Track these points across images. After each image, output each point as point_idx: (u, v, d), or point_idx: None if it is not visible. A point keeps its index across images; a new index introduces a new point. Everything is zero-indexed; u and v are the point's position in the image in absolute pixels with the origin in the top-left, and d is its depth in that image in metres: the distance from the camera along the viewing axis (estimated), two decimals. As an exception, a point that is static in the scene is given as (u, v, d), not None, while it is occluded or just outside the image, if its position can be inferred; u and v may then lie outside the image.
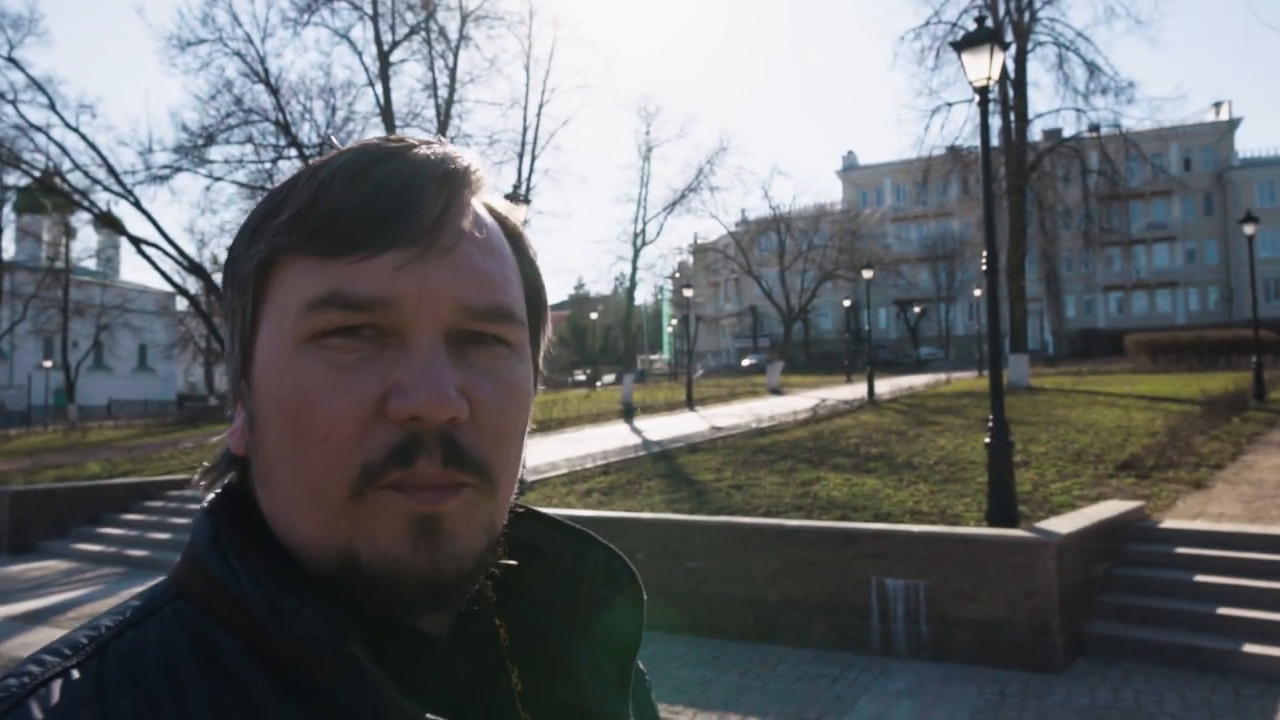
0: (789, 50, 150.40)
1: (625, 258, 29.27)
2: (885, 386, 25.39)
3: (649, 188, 29.30)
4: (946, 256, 55.34)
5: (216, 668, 0.48)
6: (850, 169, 64.33)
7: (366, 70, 23.49)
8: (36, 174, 23.50)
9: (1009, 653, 5.91)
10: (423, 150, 0.53)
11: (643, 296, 66.24)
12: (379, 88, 23.15)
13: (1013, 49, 23.04)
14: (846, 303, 46.43)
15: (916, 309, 55.97)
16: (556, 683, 0.60)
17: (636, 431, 19.00)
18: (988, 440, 7.59)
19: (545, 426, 21.18)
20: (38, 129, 22.38)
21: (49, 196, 24.70)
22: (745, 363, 52.23)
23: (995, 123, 23.14)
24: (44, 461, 19.84)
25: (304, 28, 23.12)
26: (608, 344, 61.73)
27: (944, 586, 6.17)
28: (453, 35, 24.36)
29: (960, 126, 27.74)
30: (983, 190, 8.31)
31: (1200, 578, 6.54)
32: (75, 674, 0.48)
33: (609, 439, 17.07)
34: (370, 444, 0.49)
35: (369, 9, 22.92)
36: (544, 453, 15.45)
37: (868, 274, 26.98)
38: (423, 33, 23.90)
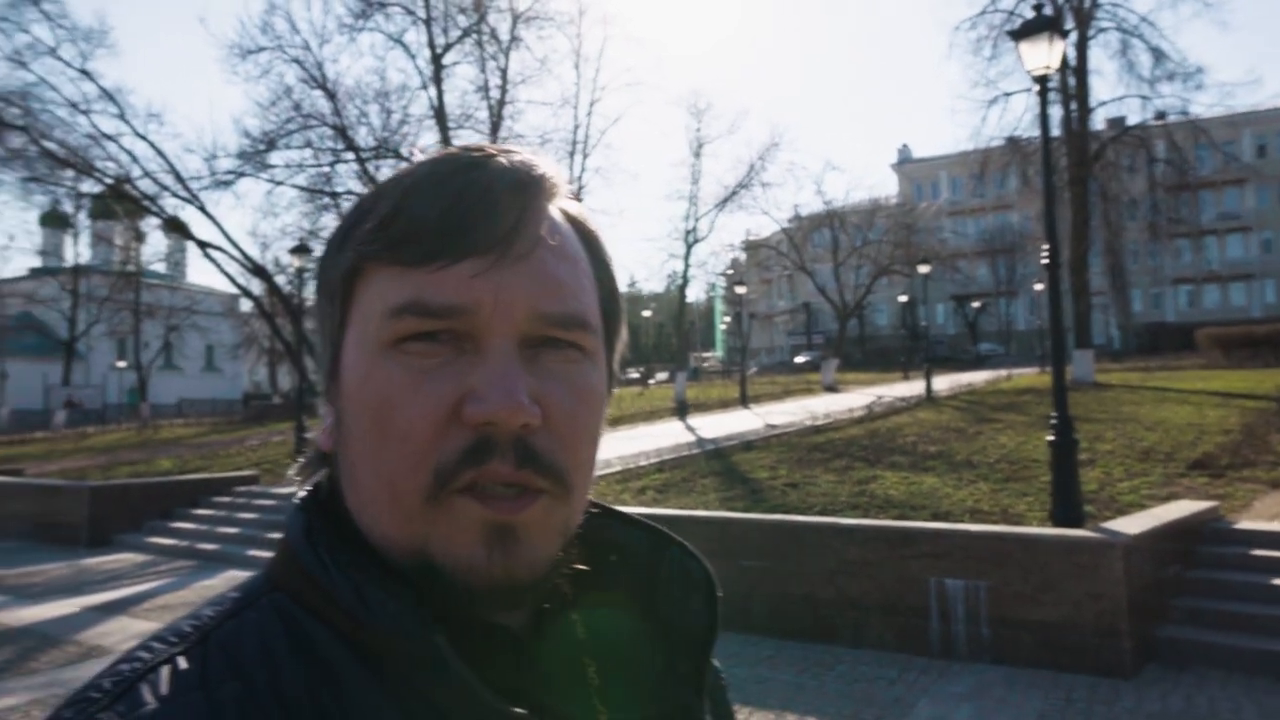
0: (842, 43, 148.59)
1: (677, 255, 29.25)
2: (943, 383, 24.93)
3: (700, 184, 29.31)
4: (1006, 250, 54.05)
5: (310, 657, 0.51)
6: (905, 162, 63.28)
7: (420, 73, 23.86)
8: (108, 181, 24.37)
9: (1074, 656, 5.76)
10: (501, 159, 0.54)
11: (695, 294, 66.11)
12: (432, 90, 23.50)
13: (1073, 36, 22.40)
14: (903, 298, 45.74)
15: (975, 304, 54.78)
16: (633, 679, 0.61)
17: (690, 429, 18.97)
18: (1051, 438, 7.41)
19: (599, 424, 21.21)
20: (109, 138, 23.21)
21: (120, 203, 25.63)
22: (799, 360, 51.72)
23: (1056, 112, 22.57)
24: (119, 458, 20.60)
25: (359, 33, 23.58)
26: (660, 342, 61.77)
27: (1006, 588, 6.04)
28: (504, 37, 24.60)
29: (1019, 117, 27.13)
30: (1043, 182, 8.11)
31: (1279, 581, 6.29)
32: (181, 661, 0.50)
33: (662, 437, 17.07)
34: (444, 447, 0.51)
35: (422, 13, 23.28)
36: (599, 450, 15.44)
37: (924, 269, 26.49)
38: (474, 35, 24.18)
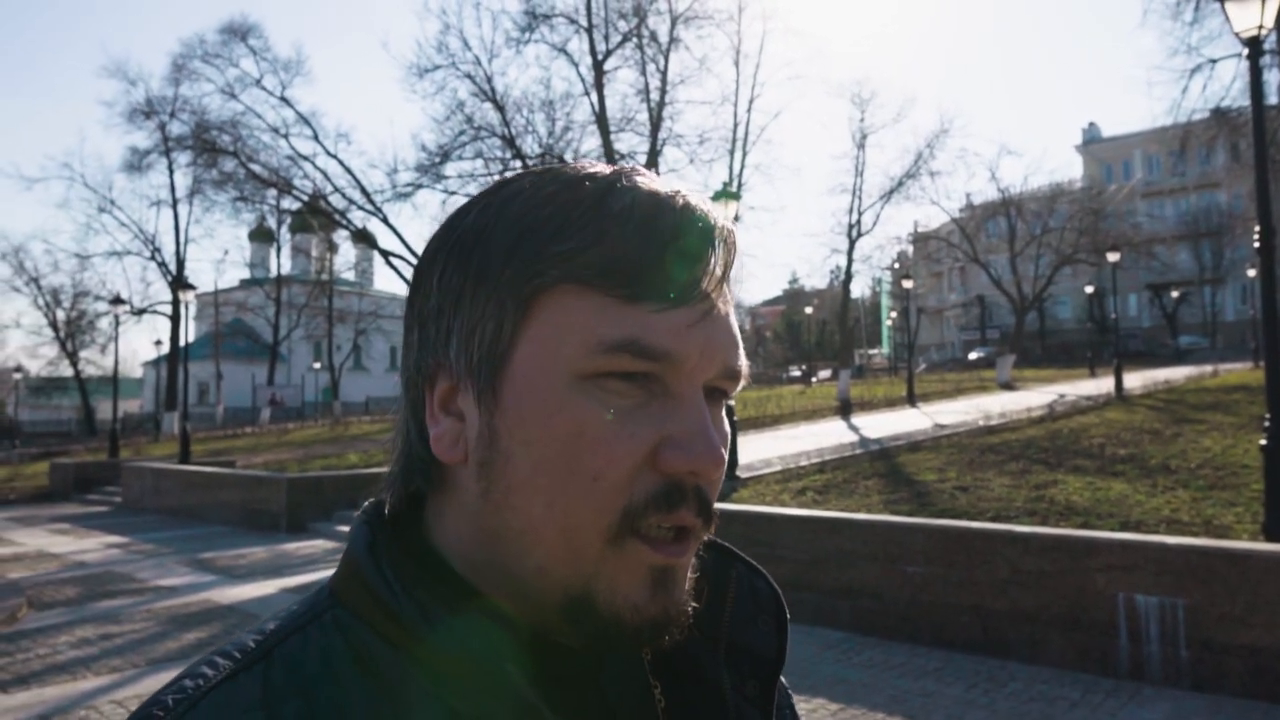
0: (1018, 18, 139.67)
1: (840, 250, 28.45)
2: (1136, 380, 23.01)
3: (864, 176, 28.30)
4: (1211, 233, 48.99)
5: (373, 675, 0.50)
6: (1092, 142, 58.72)
7: (583, 80, 24.47)
8: (305, 198, 26.62)
9: (1293, 688, 5.11)
10: (693, 200, 0.54)
11: (860, 289, 64.21)
12: (594, 96, 24.06)
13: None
14: (1089, 289, 42.47)
15: (1174, 293, 49.99)
16: (700, 701, 0.60)
17: (853, 428, 18.47)
18: (1264, 442, 6.62)
19: (759, 423, 21.08)
20: (305, 158, 25.37)
21: (315, 217, 27.92)
22: (972, 356, 49.15)
23: (1272, 77, 20.18)
24: (314, 452, 22.42)
25: (525, 46, 24.50)
26: (823, 339, 60.47)
27: (1208, 607, 5.44)
28: (663, 39, 24.85)
29: (1226, 86, 24.54)
30: (1255, 155, 7.25)
31: None
32: (244, 678, 0.50)
33: (824, 436, 16.71)
34: (634, 490, 0.50)
35: (584, 21, 23.88)
36: (758, 450, 15.39)
37: (1113, 256, 24.46)
38: (634, 39, 24.56)
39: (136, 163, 37.34)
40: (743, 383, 0.55)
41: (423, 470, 0.57)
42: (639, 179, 0.53)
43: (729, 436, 0.55)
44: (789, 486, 11.11)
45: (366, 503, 0.59)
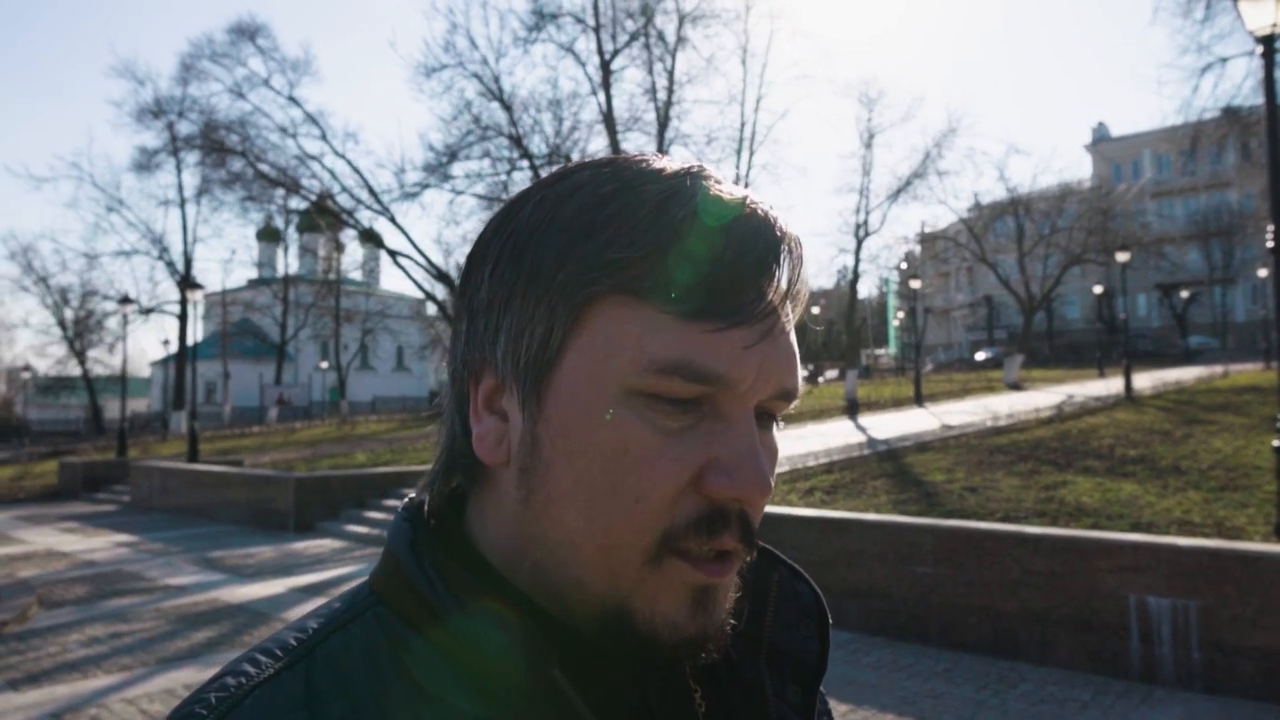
0: (1025, 16, 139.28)
1: (847, 250, 28.41)
2: (1146, 380, 22.91)
3: (871, 176, 28.14)
4: (1222, 233, 48.74)
5: (415, 676, 0.50)
6: (1101, 141, 58.49)
7: (590, 80, 24.46)
8: (313, 198, 26.66)
9: (1307, 690, 5.07)
10: (760, 210, 0.51)
11: (867, 289, 64.08)
12: (601, 96, 24.05)
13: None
14: (1098, 289, 42.28)
15: (1184, 293, 49.76)
16: (740, 705, 0.59)
17: (861, 429, 18.42)
18: (1276, 443, 6.58)
19: (766, 423, 21.02)
20: (312, 158, 25.37)
21: (323, 217, 27.95)
22: (979, 356, 49.01)
23: (1282, 76, 20.08)
24: (321, 451, 22.47)
25: (532, 45, 24.48)
26: (830, 339, 60.35)
27: (1220, 609, 5.41)
28: (670, 38, 24.83)
29: (1238, 84, 24.39)
30: (1267, 154, 7.21)
31: None
32: (287, 677, 0.50)
33: (832, 436, 16.66)
34: (675, 512, 0.49)
35: (591, 21, 23.87)
36: (765, 449, 15.30)
37: (1123, 256, 24.34)
38: (642, 38, 24.54)
39: (145, 162, 37.49)
40: (796, 401, 0.53)
41: (465, 467, 0.56)
42: (705, 183, 0.51)
43: (776, 455, 0.54)
44: (797, 487, 11.08)
45: (406, 498, 0.59)
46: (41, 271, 43.93)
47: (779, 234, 0.51)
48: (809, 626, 0.63)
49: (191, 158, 31.07)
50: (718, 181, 0.52)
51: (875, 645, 6.63)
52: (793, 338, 0.53)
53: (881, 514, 8.36)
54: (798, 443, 16.14)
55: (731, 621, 0.54)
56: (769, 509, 8.28)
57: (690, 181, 0.51)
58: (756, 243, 0.49)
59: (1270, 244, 7.02)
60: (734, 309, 0.48)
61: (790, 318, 0.52)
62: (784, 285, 0.51)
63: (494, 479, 0.55)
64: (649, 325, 0.48)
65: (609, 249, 0.48)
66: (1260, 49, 6.98)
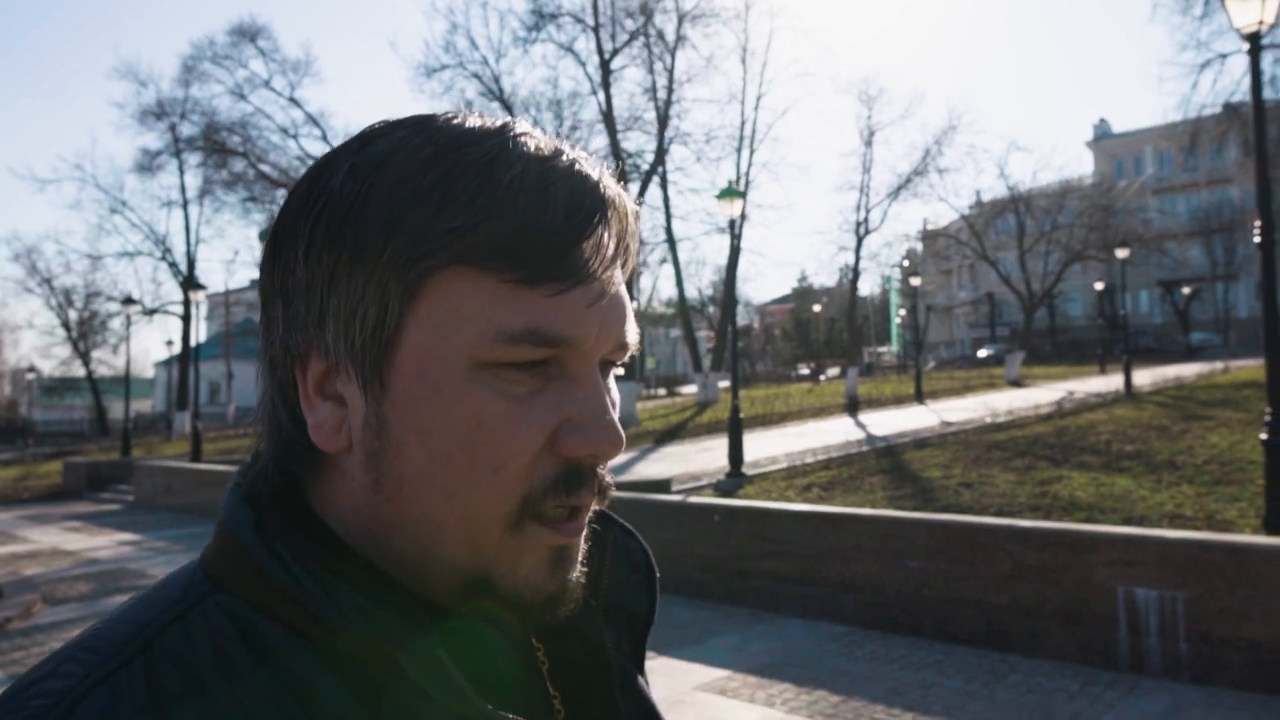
0: (1026, 13, 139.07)
1: (847, 248, 28.46)
2: (1146, 377, 22.92)
3: (872, 174, 28.20)
4: (1224, 229, 48.66)
5: (273, 666, 0.46)
6: (1103, 138, 58.43)
7: (590, 80, 24.57)
8: (314, 198, 26.69)
9: (1292, 680, 5.14)
10: (583, 168, 0.51)
11: (869, 287, 64.05)
12: (601, 95, 24.14)
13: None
14: (1099, 285, 42.24)
15: (1186, 290, 49.75)
16: (582, 658, 0.61)
17: (860, 426, 18.46)
18: (1264, 436, 6.64)
19: (766, 420, 21.09)
20: (313, 158, 25.46)
21: (325, 217, 27.92)
22: (981, 354, 48.98)
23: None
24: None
25: (532, 45, 24.58)
26: (831, 337, 60.33)
27: (1208, 600, 5.47)
28: (670, 37, 24.89)
29: (1237, 81, 24.36)
30: (1254, 149, 7.26)
31: None
32: (124, 676, 0.44)
33: (831, 433, 16.71)
34: (533, 476, 0.49)
35: (590, 20, 23.95)
36: (764, 447, 15.41)
37: (1123, 253, 24.36)
38: (641, 38, 24.60)
39: (147, 164, 37.51)
40: (631, 351, 0.54)
41: (298, 456, 0.53)
42: (525, 141, 0.50)
43: (618, 404, 0.54)
44: (794, 483, 11.15)
45: (235, 480, 0.54)
46: (45, 273, 44.05)
47: (603, 190, 0.51)
48: (639, 582, 0.66)
49: (194, 159, 31.18)
50: (535, 138, 0.51)
51: (869, 638, 6.69)
52: (623, 292, 0.53)
53: (877, 509, 8.43)
54: (797, 440, 16.19)
55: (583, 576, 0.54)
56: (765, 504, 8.36)
57: (511, 143, 0.49)
58: (584, 201, 0.49)
59: (1257, 239, 7.08)
60: (572, 270, 0.48)
61: (622, 272, 0.53)
62: (612, 244, 0.51)
63: (336, 466, 0.52)
64: (492, 295, 0.47)
65: (439, 218, 0.47)
66: (1248, 46, 7.04)
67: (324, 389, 0.51)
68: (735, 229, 13.15)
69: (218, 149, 27.08)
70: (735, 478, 11.74)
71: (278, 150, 26.88)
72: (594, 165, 0.52)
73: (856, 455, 13.11)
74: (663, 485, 11.19)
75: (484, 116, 0.52)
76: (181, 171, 40.59)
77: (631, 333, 0.53)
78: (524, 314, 0.48)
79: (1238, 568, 5.41)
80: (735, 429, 12.02)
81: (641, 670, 0.64)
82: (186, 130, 33.65)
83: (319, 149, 26.36)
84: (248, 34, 28.54)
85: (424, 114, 0.52)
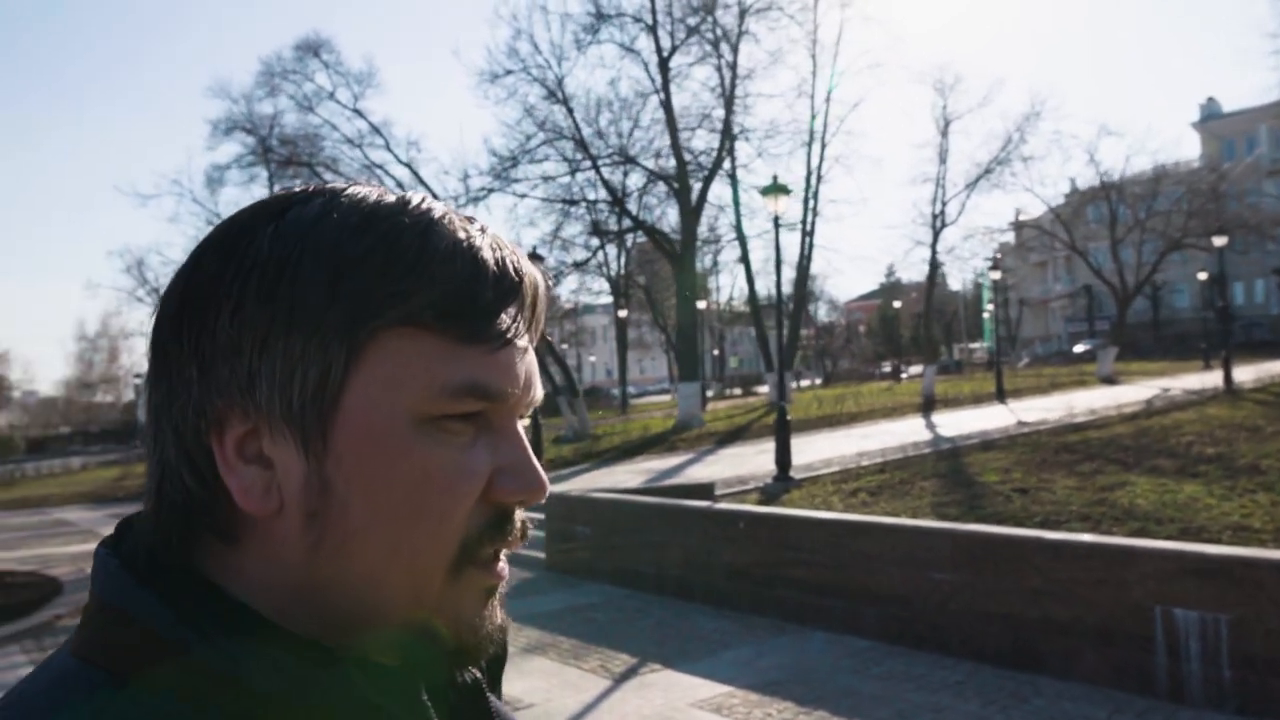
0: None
1: (924, 242, 27.46)
2: (1253, 373, 21.46)
3: (948, 164, 27.07)
4: (1348, 212, 45.08)
5: None
6: (1211, 118, 54.92)
7: (651, 79, 24.38)
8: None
9: (1353, 715, 4.58)
10: (498, 239, 0.54)
11: (960, 281, 61.86)
12: (662, 94, 23.93)
13: None
14: (1202, 275, 39.65)
15: (1306, 278, 46.26)
16: (444, 692, 0.60)
17: (930, 426, 17.88)
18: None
19: (834, 421, 20.60)
20: (378, 167, 26.16)
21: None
22: (1078, 349, 46.66)
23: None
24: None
25: (591, 46, 24.58)
26: (918, 334, 58.69)
27: (1254, 623, 4.93)
28: (732, 33, 24.53)
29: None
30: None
31: None
32: None
33: (898, 434, 16.20)
34: (470, 523, 0.52)
35: (649, 19, 23.79)
36: (824, 449, 15.05)
37: (1219, 240, 22.78)
38: (700, 35, 24.33)
39: (224, 178, 39.28)
40: (536, 406, 0.57)
41: (214, 524, 0.51)
42: (442, 212, 0.53)
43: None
44: (842, 488, 10.77)
45: (102, 548, 0.52)
46: (154, 283, 46.65)
47: (517, 259, 0.54)
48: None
49: (271, 172, 32.40)
50: (445, 210, 0.54)
51: (891, 654, 6.33)
52: (533, 353, 0.57)
53: (918, 517, 8.02)
54: (861, 441, 15.74)
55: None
56: (787, 511, 8.07)
57: (433, 213, 0.52)
58: (507, 268, 0.53)
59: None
60: (500, 332, 0.52)
61: (531, 336, 0.56)
62: (530, 308, 0.55)
63: (262, 531, 0.51)
64: (434, 353, 0.50)
65: (384, 281, 0.49)
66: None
67: (244, 452, 0.50)
68: (779, 224, 12.38)
69: (292, 161, 28.04)
70: (782, 481, 11.41)
71: (344, 160, 27.66)
72: (505, 240, 0.55)
73: (915, 458, 12.63)
74: (706, 490, 10.97)
75: (378, 188, 0.54)
76: (271, 183, 42.41)
77: (540, 387, 0.57)
78: (463, 370, 0.50)
79: (1289, 588, 4.86)
80: (782, 431, 11.70)
81: (499, 692, 0.64)
82: (269, 144, 35.08)
83: (381, 157, 27.03)
84: (312, 48, 29.38)
85: (324, 185, 0.54)
